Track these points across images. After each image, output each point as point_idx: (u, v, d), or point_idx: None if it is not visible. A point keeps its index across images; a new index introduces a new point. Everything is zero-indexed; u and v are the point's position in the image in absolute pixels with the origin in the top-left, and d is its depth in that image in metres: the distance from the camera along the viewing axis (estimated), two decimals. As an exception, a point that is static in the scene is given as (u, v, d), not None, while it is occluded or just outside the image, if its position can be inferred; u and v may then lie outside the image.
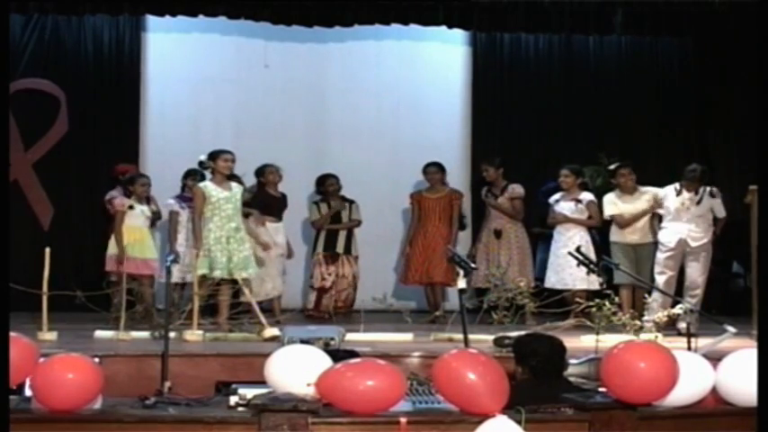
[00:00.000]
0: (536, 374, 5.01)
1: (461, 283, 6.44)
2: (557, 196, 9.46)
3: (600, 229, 9.44)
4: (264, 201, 9.56)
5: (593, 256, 8.56)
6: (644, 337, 7.11)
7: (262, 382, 4.59)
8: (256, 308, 8.08)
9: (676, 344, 6.13)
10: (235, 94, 11.30)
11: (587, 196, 9.39)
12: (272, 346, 6.05)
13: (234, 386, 4.81)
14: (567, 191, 9.39)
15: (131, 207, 8.89)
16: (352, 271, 9.92)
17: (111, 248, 8.88)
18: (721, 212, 8.88)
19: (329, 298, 9.79)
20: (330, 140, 11.29)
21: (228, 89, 11.26)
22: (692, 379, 4.55)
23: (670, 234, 8.76)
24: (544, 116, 11.41)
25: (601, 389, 4.64)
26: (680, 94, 11.49)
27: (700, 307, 8.14)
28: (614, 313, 7.28)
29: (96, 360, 4.63)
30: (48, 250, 7.77)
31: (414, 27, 10.86)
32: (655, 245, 9.02)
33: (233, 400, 4.58)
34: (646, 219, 9.09)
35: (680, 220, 8.74)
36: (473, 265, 7.06)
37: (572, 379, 5.27)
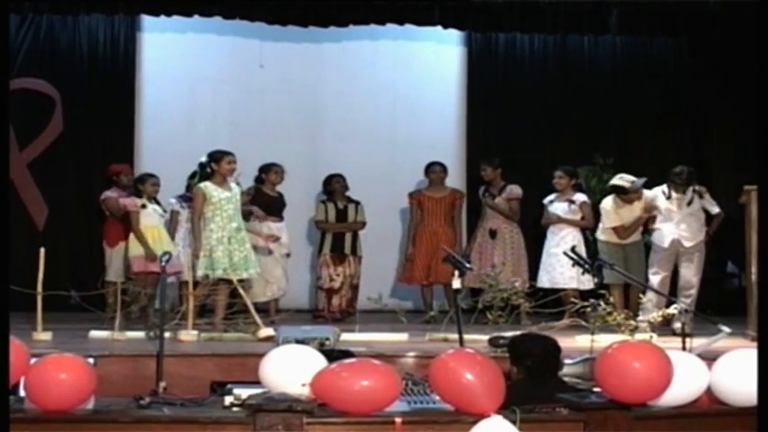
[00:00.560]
0: (531, 374, 5.02)
1: (456, 284, 6.45)
2: (551, 197, 9.49)
3: (592, 229, 9.46)
4: (263, 201, 9.58)
5: (585, 256, 8.58)
6: (639, 337, 7.12)
7: (257, 383, 4.58)
8: (252, 308, 8.08)
9: (671, 344, 6.14)
10: (230, 95, 11.28)
11: (581, 197, 9.43)
12: (267, 346, 6.06)
13: (229, 386, 4.81)
14: (561, 192, 9.42)
15: (144, 206, 8.87)
16: (358, 271, 9.93)
17: (134, 250, 8.69)
18: (714, 209, 8.87)
19: (339, 298, 9.78)
20: (326, 141, 11.28)
21: (223, 89, 11.25)
22: (687, 379, 4.55)
23: (663, 235, 8.76)
24: (539, 116, 11.41)
25: (596, 389, 4.64)
26: (675, 94, 11.50)
27: (694, 307, 8.15)
28: (609, 313, 7.29)
29: (91, 360, 4.63)
30: (42, 250, 7.78)
31: (409, 27, 10.86)
32: (643, 243, 9.06)
33: (228, 400, 4.58)
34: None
35: (672, 221, 8.75)
36: (468, 265, 7.07)
37: (567, 379, 5.28)
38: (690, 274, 8.73)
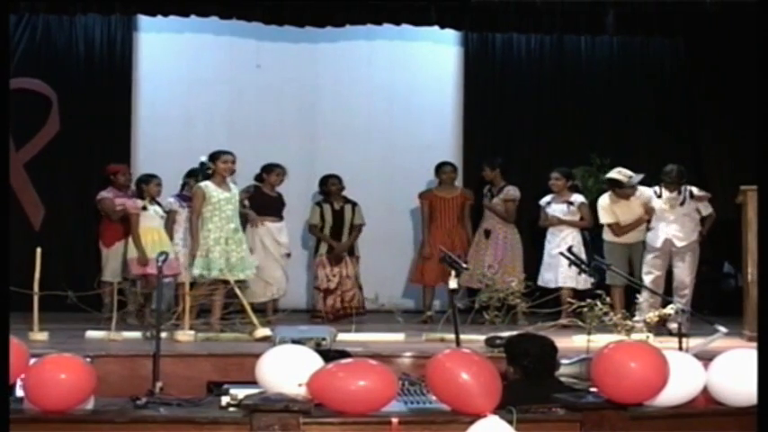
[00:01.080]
0: (527, 375, 5.02)
1: (453, 284, 6.45)
2: (547, 198, 9.51)
3: (591, 229, 9.46)
4: (262, 201, 9.58)
5: (584, 256, 8.58)
6: (635, 337, 7.13)
7: (253, 383, 4.59)
8: (248, 308, 8.08)
9: (667, 344, 6.14)
10: (227, 95, 11.28)
11: (578, 198, 9.47)
12: (264, 346, 6.05)
13: (225, 386, 4.81)
14: (558, 193, 9.44)
15: (144, 208, 8.88)
16: (356, 271, 9.93)
17: (131, 252, 8.83)
18: (706, 210, 8.87)
19: (334, 299, 9.77)
20: (322, 141, 11.28)
21: (220, 89, 11.24)
22: (684, 379, 4.56)
23: (656, 235, 8.77)
24: (536, 116, 11.42)
25: (592, 389, 4.64)
26: (671, 95, 11.51)
27: (689, 307, 8.15)
28: (605, 313, 7.29)
29: (88, 360, 4.62)
30: (39, 250, 7.77)
31: (406, 27, 10.86)
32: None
33: (224, 400, 4.58)
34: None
35: (665, 220, 8.75)
36: (465, 266, 7.07)
37: (563, 379, 5.28)
38: (683, 274, 8.73)
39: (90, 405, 4.47)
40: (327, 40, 11.15)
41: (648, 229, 8.88)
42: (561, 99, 11.41)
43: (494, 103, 11.48)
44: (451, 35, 11.39)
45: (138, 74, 11.17)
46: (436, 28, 10.85)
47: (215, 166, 8.32)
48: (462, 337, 6.69)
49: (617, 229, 9.07)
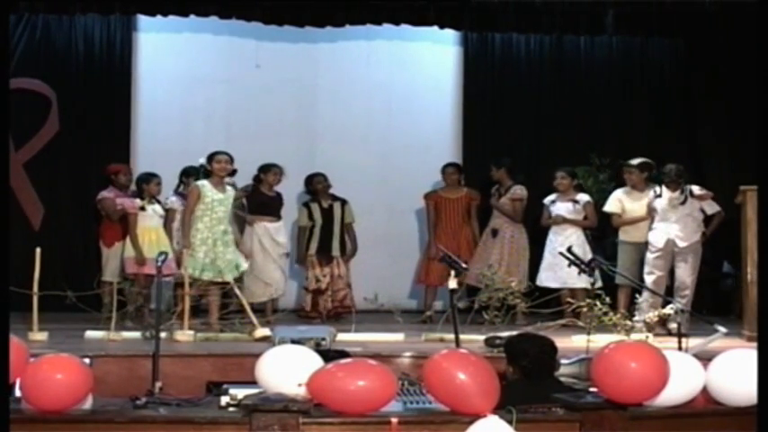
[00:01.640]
0: (527, 374, 5.02)
1: (452, 284, 6.45)
2: (551, 197, 9.51)
3: (594, 229, 9.47)
4: (260, 200, 9.58)
5: (589, 255, 8.60)
6: (635, 337, 7.13)
7: (253, 383, 4.58)
8: (248, 308, 8.08)
9: (667, 344, 6.14)
10: (226, 94, 11.28)
11: (584, 197, 9.48)
12: (263, 346, 6.05)
13: (225, 386, 4.80)
14: (563, 192, 9.44)
15: (143, 208, 8.89)
16: (347, 271, 9.91)
17: (129, 251, 8.87)
18: (712, 209, 8.85)
19: (325, 299, 9.76)
20: (321, 140, 11.27)
21: (220, 89, 11.24)
22: (683, 379, 4.56)
23: (658, 234, 8.74)
24: (535, 116, 11.41)
25: (592, 389, 4.64)
26: (670, 95, 11.50)
27: (690, 307, 8.15)
28: (605, 313, 7.29)
29: (87, 360, 4.62)
30: (38, 250, 7.77)
31: (405, 27, 10.85)
32: None
33: (224, 400, 4.57)
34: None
35: (668, 220, 8.73)
36: (464, 266, 7.07)
37: (563, 379, 5.28)
38: (684, 274, 8.71)
39: (89, 405, 4.46)
40: (327, 39, 11.15)
41: (650, 229, 8.87)
42: (561, 99, 11.41)
43: (493, 103, 11.48)
44: (451, 35, 11.39)
45: (138, 74, 11.16)
46: (435, 28, 10.85)
47: (211, 167, 8.35)
48: (462, 337, 6.69)
49: (617, 220, 9.08)
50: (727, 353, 4.82)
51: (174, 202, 9.25)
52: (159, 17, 10.60)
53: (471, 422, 4.23)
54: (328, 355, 5.10)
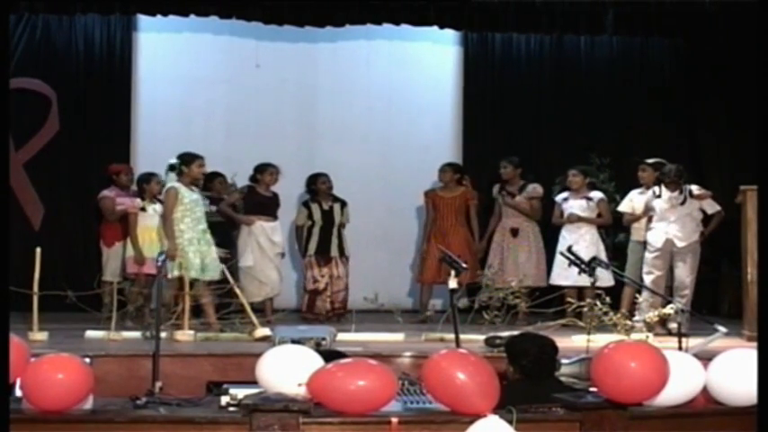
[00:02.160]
0: (527, 374, 5.02)
1: (452, 284, 6.45)
2: (564, 195, 9.51)
3: (608, 227, 9.49)
4: (257, 201, 9.57)
5: (603, 254, 8.78)
6: (635, 336, 7.13)
7: (253, 383, 4.58)
8: (248, 308, 8.08)
9: (667, 344, 6.15)
10: (226, 94, 11.27)
11: (597, 194, 9.52)
12: (264, 346, 6.07)
13: (225, 386, 4.79)
14: (576, 190, 9.44)
15: (143, 209, 8.90)
16: (346, 271, 9.91)
17: (129, 251, 8.90)
18: (713, 208, 8.85)
19: (323, 300, 9.75)
20: (321, 140, 11.27)
21: (220, 89, 11.24)
22: (683, 379, 4.55)
23: (657, 234, 8.75)
24: (535, 116, 11.42)
25: (592, 389, 4.64)
26: (671, 94, 11.50)
27: (689, 307, 8.15)
28: (605, 313, 7.30)
29: (87, 360, 4.62)
30: (39, 250, 7.77)
31: (405, 27, 10.85)
32: None
33: (224, 400, 4.57)
34: None
35: (667, 220, 8.73)
36: (464, 265, 7.06)
37: (563, 379, 5.28)
38: (683, 274, 8.71)
39: (89, 405, 4.46)
40: (326, 39, 11.15)
41: (648, 229, 8.87)
42: (561, 99, 11.41)
43: (493, 103, 11.48)
44: (451, 35, 11.39)
45: (138, 74, 11.16)
46: (435, 28, 10.84)
47: (189, 170, 8.23)
48: (462, 336, 6.67)
49: (627, 218, 9.10)
50: (728, 353, 4.82)
51: None
52: (159, 17, 10.60)
53: (471, 422, 4.23)
54: (328, 354, 5.09)
